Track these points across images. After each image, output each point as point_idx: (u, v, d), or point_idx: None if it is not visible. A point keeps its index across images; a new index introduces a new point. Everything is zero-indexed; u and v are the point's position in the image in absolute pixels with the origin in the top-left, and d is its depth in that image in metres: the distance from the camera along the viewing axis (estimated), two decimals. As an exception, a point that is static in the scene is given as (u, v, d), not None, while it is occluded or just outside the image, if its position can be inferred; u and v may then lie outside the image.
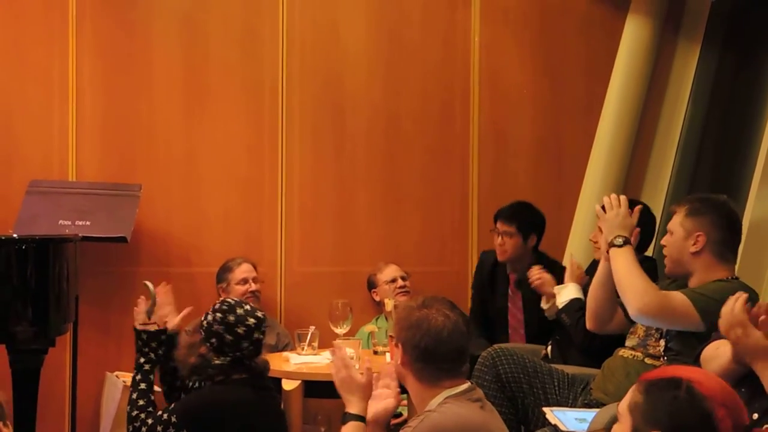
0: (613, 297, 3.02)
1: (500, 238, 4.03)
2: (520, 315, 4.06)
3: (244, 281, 4.31)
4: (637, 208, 3.01)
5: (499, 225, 4.05)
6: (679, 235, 2.87)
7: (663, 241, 2.96)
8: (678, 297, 2.78)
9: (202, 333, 2.84)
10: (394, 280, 4.42)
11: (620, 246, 2.87)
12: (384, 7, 4.71)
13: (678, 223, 2.88)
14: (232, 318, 2.82)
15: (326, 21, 4.67)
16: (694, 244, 2.85)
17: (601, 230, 3.02)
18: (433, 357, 2.24)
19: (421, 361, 2.24)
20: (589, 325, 3.18)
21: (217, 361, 2.80)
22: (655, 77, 4.67)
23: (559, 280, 3.68)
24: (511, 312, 4.10)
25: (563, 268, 3.79)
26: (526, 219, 4.04)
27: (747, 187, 3.93)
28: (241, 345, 2.81)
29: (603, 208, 2.99)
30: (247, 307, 2.88)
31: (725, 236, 2.86)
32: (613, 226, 2.92)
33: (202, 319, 2.88)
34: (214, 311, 2.85)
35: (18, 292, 3.47)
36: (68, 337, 4.09)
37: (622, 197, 2.97)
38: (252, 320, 2.83)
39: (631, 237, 2.92)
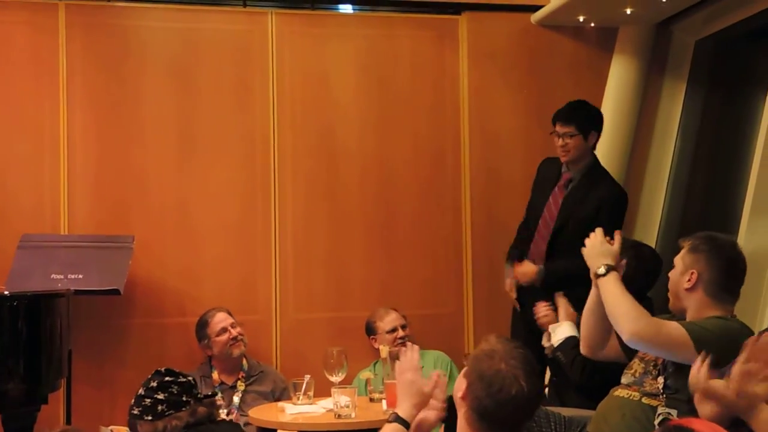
0: (604, 323, 3.02)
1: (561, 139, 3.97)
2: (555, 210, 3.99)
3: (223, 330, 4.25)
4: (617, 232, 3.01)
5: (558, 127, 3.99)
6: (678, 269, 2.88)
7: (669, 274, 2.96)
8: (672, 324, 2.77)
9: (146, 417, 2.67)
10: (394, 330, 4.38)
11: (604, 274, 2.86)
12: (373, 55, 4.75)
13: (679, 257, 2.89)
14: (154, 383, 2.70)
15: (316, 70, 4.70)
16: (688, 280, 2.84)
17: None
18: (490, 416, 2.15)
19: (476, 413, 2.17)
20: (582, 350, 3.18)
21: (187, 418, 2.67)
22: (643, 116, 4.70)
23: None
24: (548, 209, 4.03)
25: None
26: (583, 117, 3.97)
27: (738, 221, 3.94)
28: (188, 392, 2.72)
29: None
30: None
31: (720, 278, 2.83)
32: (593, 256, 2.92)
33: (137, 410, 2.71)
34: (139, 396, 2.72)
35: (9, 350, 3.45)
36: (61, 392, 4.05)
37: (598, 229, 2.98)
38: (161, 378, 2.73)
39: (615, 262, 2.91)
